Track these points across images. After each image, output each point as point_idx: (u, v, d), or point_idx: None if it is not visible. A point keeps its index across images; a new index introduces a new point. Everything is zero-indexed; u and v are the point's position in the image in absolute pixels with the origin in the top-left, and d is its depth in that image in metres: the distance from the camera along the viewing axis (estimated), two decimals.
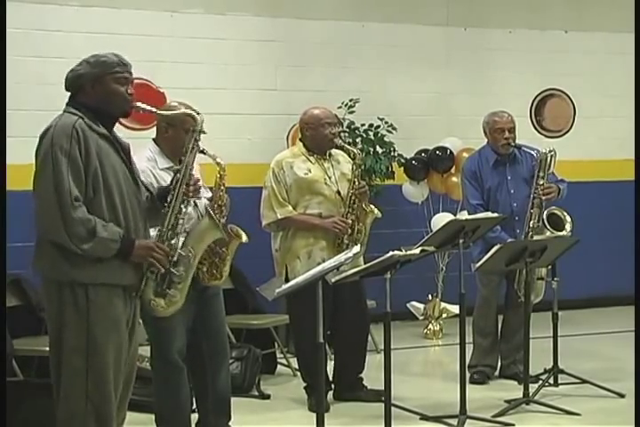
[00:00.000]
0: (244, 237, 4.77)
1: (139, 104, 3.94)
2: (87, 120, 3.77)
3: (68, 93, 3.96)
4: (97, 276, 3.72)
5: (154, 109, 4.02)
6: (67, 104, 3.89)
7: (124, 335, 3.81)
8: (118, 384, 3.82)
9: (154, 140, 4.88)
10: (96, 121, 3.80)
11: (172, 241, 3.96)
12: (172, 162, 4.76)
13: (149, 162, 4.74)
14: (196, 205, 4.63)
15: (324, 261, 4.98)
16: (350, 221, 5.65)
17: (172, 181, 4.05)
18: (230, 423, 5.01)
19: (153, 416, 4.95)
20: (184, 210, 4.03)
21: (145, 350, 4.91)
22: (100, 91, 3.84)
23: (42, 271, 3.80)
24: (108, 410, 3.76)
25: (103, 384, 3.74)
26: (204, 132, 4.21)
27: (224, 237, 4.33)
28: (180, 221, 4.01)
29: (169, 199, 3.98)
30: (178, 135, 4.69)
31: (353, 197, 5.68)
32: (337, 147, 5.83)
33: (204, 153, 4.59)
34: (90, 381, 3.71)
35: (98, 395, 3.73)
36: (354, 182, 5.68)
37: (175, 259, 3.97)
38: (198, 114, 4.19)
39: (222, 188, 4.70)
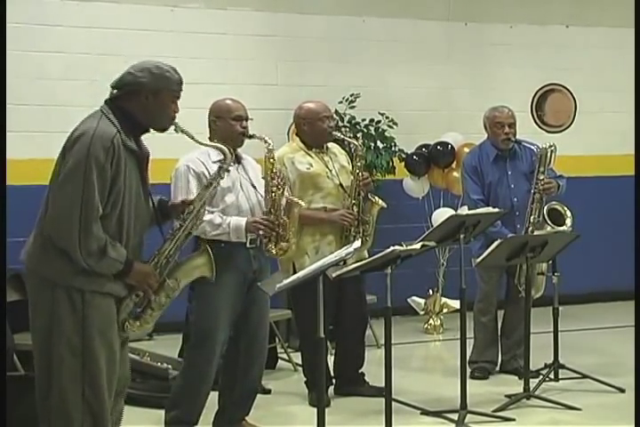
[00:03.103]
0: (302, 203, 5.03)
1: (177, 122, 3.88)
2: (123, 135, 3.69)
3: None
4: (93, 283, 3.69)
5: (190, 133, 3.93)
6: (106, 102, 3.80)
7: (115, 339, 3.79)
8: (112, 385, 3.80)
9: (209, 137, 5.00)
10: (130, 135, 3.74)
11: (164, 270, 3.90)
12: (223, 155, 4.85)
13: (202, 155, 4.85)
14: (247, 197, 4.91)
15: None
16: (356, 213, 5.65)
17: (183, 211, 3.97)
18: (247, 418, 5.09)
19: (153, 411, 4.97)
20: (185, 242, 3.96)
21: (145, 345, 4.91)
22: (154, 104, 3.78)
23: (37, 270, 3.75)
24: (103, 407, 3.75)
25: (98, 386, 3.72)
26: (229, 171, 4.22)
27: (211, 278, 4.25)
28: (178, 253, 3.96)
29: (175, 228, 3.92)
30: (226, 125, 4.95)
31: (357, 189, 5.67)
32: (336, 140, 5.82)
33: (253, 137, 4.92)
34: (86, 383, 3.70)
35: (92, 392, 3.71)
36: (357, 174, 5.67)
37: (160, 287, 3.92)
38: (231, 153, 4.17)
39: (273, 161, 4.92)
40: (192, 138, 3.96)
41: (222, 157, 4.88)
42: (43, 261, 3.73)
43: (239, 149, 5.04)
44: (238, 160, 5.01)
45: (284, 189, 4.96)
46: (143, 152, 3.85)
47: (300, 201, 5.00)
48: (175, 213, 3.99)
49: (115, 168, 3.65)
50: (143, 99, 3.77)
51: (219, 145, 4.23)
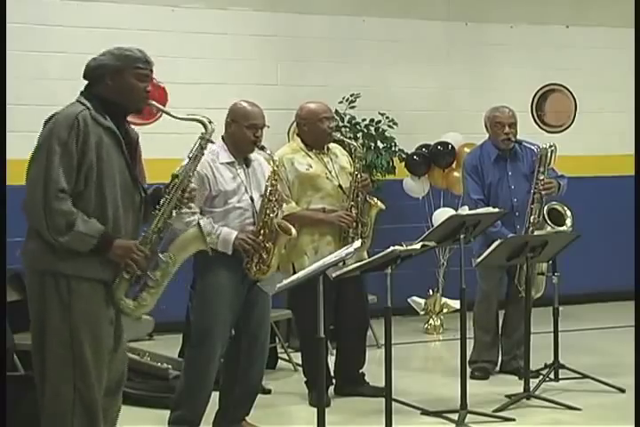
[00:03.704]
0: (294, 232, 4.96)
1: (153, 102, 3.91)
2: (94, 112, 3.74)
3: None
4: (79, 269, 3.71)
5: (166, 110, 3.98)
6: (80, 93, 3.87)
7: (103, 330, 3.78)
8: (101, 376, 3.79)
9: (222, 136, 5.02)
10: (104, 114, 3.77)
11: (156, 245, 3.87)
12: (233, 157, 4.96)
13: (211, 155, 4.85)
14: (252, 200, 4.90)
15: None
16: (355, 214, 5.65)
17: (167, 185, 3.97)
18: (247, 418, 5.09)
19: (154, 411, 4.97)
20: (174, 215, 3.94)
21: (146, 345, 4.92)
22: (119, 84, 3.82)
23: (26, 260, 3.79)
24: (93, 397, 3.76)
25: (89, 379, 3.74)
26: (212, 142, 4.19)
27: (207, 249, 4.30)
28: (168, 226, 3.95)
29: (161, 202, 3.89)
30: (239, 131, 4.95)
31: (356, 191, 5.68)
32: (335, 141, 5.83)
33: (263, 149, 4.91)
34: (76, 370, 3.72)
35: (83, 384, 3.73)
36: (356, 175, 5.67)
37: (155, 263, 3.88)
38: (210, 122, 4.08)
39: (275, 182, 4.91)
40: (169, 114, 3.96)
41: (232, 159, 4.93)
42: (31, 251, 3.76)
43: None
44: (247, 163, 5.01)
45: (278, 213, 4.95)
46: (128, 135, 3.87)
47: (293, 230, 4.95)
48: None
49: (82, 142, 3.68)
50: (108, 80, 3.82)
51: (197, 117, 4.09)
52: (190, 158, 4.05)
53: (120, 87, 3.82)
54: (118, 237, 3.76)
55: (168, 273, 3.90)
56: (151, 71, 3.90)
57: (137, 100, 3.85)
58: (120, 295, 3.80)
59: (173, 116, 3.99)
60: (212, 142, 4.21)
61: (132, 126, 4.04)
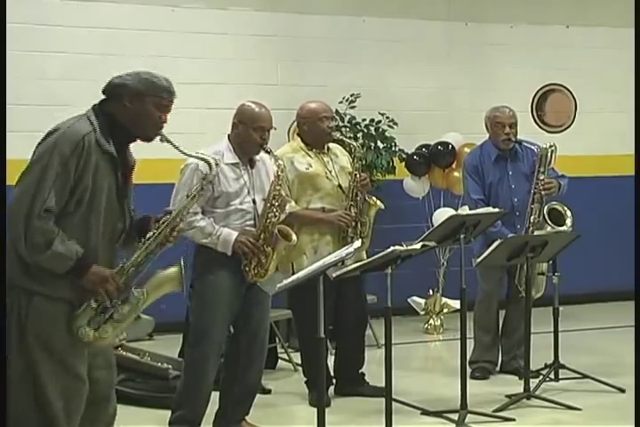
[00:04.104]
0: (294, 238, 4.94)
1: (164, 133, 3.75)
2: (99, 134, 3.61)
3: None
4: (48, 287, 3.56)
5: (176, 144, 3.75)
6: (93, 107, 3.72)
7: (66, 348, 3.59)
8: (71, 393, 3.63)
9: (228, 135, 5.02)
10: (109, 137, 3.65)
11: (132, 279, 3.69)
12: (238, 158, 4.95)
13: (216, 155, 4.81)
14: (254, 202, 4.89)
15: None
16: (354, 214, 5.65)
17: (158, 219, 3.78)
18: (247, 418, 5.09)
19: (154, 411, 4.97)
20: (158, 252, 3.73)
21: (146, 345, 4.92)
22: (136, 108, 3.68)
23: (3, 272, 3.64)
24: (53, 415, 3.59)
25: (43, 395, 3.57)
26: (212, 183, 4.08)
27: (181, 290, 3.97)
28: (148, 263, 3.75)
29: (147, 236, 3.70)
30: (246, 132, 4.93)
31: (355, 190, 5.68)
32: (335, 140, 5.83)
33: (269, 153, 4.88)
34: (32, 392, 3.57)
35: (41, 401, 3.59)
36: (355, 175, 5.67)
37: (125, 297, 3.67)
38: (217, 165, 3.96)
39: (279, 187, 4.91)
40: (177, 148, 3.76)
41: (237, 160, 4.93)
42: (7, 262, 3.61)
43: None
44: (252, 165, 5.01)
45: (280, 217, 4.94)
46: (126, 161, 3.74)
47: (294, 236, 4.94)
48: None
49: (83, 165, 3.55)
50: (126, 102, 3.68)
51: (205, 157, 4.03)
52: (188, 197, 3.90)
53: (136, 111, 3.68)
54: (95, 264, 3.61)
55: (136, 309, 3.70)
56: (172, 102, 3.77)
57: (149, 129, 3.72)
58: (81, 323, 3.61)
59: (181, 151, 3.80)
60: (212, 184, 4.13)
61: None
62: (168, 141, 3.75)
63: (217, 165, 3.98)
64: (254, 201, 4.94)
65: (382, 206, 5.77)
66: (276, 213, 4.90)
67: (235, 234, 4.85)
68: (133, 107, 3.69)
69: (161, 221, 3.75)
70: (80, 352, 3.64)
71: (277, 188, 4.93)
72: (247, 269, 4.88)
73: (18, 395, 3.57)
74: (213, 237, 4.83)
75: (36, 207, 3.50)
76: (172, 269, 3.80)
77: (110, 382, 3.84)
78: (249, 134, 4.92)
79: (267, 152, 4.93)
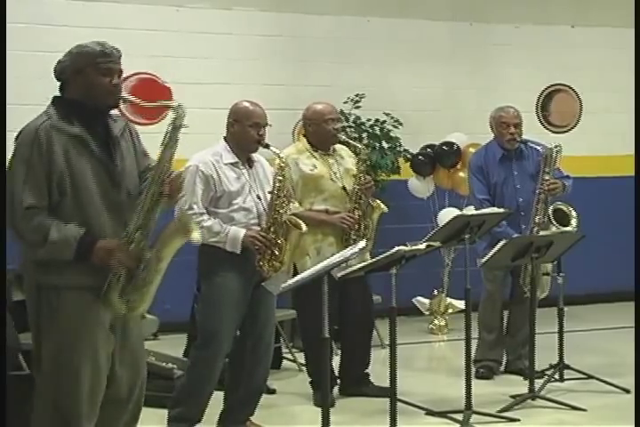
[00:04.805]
0: (304, 227, 4.92)
1: (125, 95, 3.74)
2: (56, 121, 3.62)
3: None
4: (66, 278, 3.63)
5: (137, 101, 3.75)
6: (52, 98, 3.76)
7: (98, 338, 3.67)
8: (97, 387, 3.69)
9: (224, 137, 5.02)
10: (71, 119, 3.64)
11: (142, 243, 3.67)
12: (237, 158, 4.95)
13: (214, 156, 4.88)
14: (259, 198, 4.87)
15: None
16: (357, 217, 5.65)
17: (144, 179, 3.78)
18: (252, 418, 5.09)
19: (157, 410, 4.97)
20: (157, 210, 3.71)
21: (151, 344, 4.92)
22: (82, 83, 3.68)
23: (22, 272, 3.76)
24: (75, 412, 3.66)
25: (71, 392, 3.65)
26: (185, 126, 3.99)
27: (189, 241, 3.94)
28: (152, 222, 3.72)
29: (141, 198, 3.68)
30: (242, 130, 4.94)
31: (359, 193, 5.67)
32: (341, 142, 5.82)
33: (268, 147, 4.85)
34: (59, 386, 3.64)
35: (66, 402, 3.65)
36: (359, 178, 5.67)
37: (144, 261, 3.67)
38: (179, 106, 3.77)
39: (282, 179, 4.89)
40: (139, 104, 3.77)
41: (236, 160, 4.93)
42: (23, 264, 3.73)
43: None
44: (250, 164, 5.01)
45: (287, 209, 4.95)
46: (110, 132, 3.73)
47: (303, 225, 4.94)
48: None
49: (47, 155, 3.57)
50: (72, 82, 3.71)
51: (168, 103, 3.86)
52: (163, 146, 3.75)
53: (84, 87, 3.68)
54: (100, 239, 3.62)
55: (156, 271, 3.69)
56: (115, 63, 3.72)
57: (104, 97, 3.69)
58: (113, 298, 3.65)
59: (145, 106, 3.80)
60: (184, 127, 3.86)
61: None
62: (130, 101, 3.76)
63: (180, 106, 3.75)
64: (259, 197, 4.94)
65: (386, 209, 5.77)
66: (284, 205, 4.91)
67: (243, 231, 4.85)
68: (79, 83, 3.70)
69: (148, 178, 3.72)
70: (105, 334, 3.69)
71: (281, 178, 4.92)
72: (261, 263, 4.87)
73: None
74: (222, 235, 4.83)
75: (16, 211, 3.57)
76: (175, 220, 3.81)
77: (132, 385, 3.84)
78: (246, 132, 4.93)
79: (265, 147, 4.94)
